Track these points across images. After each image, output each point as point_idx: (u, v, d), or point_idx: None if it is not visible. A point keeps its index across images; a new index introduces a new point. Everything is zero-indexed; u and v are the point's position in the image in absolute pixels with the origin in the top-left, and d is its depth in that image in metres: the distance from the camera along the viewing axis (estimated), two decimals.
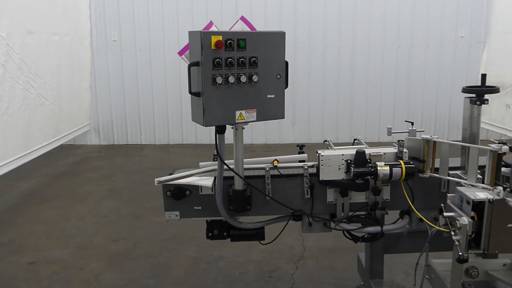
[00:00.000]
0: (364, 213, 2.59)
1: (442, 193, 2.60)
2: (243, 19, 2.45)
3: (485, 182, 2.31)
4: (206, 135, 8.13)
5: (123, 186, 5.74)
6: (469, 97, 2.40)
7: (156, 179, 2.48)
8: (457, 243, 2.16)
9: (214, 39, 2.12)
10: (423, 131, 2.85)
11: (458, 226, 2.15)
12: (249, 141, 8.13)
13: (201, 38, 2.11)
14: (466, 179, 2.41)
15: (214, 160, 2.77)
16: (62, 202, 5.21)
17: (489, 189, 2.25)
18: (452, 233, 2.19)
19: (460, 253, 2.14)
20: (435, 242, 2.67)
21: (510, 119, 6.79)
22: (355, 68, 7.80)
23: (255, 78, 2.26)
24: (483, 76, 2.31)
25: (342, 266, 3.55)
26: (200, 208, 2.63)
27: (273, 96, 2.36)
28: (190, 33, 2.24)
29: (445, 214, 2.27)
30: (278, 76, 2.36)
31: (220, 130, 2.34)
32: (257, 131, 8.09)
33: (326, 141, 2.99)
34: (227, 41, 2.15)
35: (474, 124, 2.42)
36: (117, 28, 7.73)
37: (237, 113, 2.29)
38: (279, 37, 2.32)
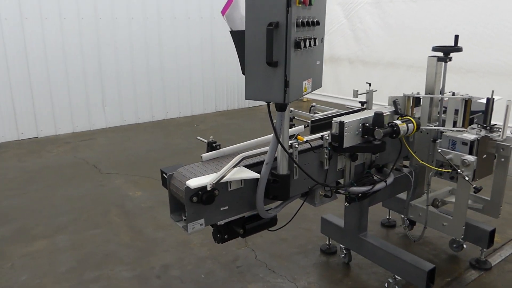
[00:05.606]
0: None
1: (410, 142, 2.95)
2: None
3: (458, 125, 2.78)
4: (12, 131, 6.33)
5: None
6: (435, 56, 2.80)
7: (208, 184, 1.89)
8: (467, 178, 2.57)
9: None
10: (376, 90, 3.15)
11: (467, 163, 2.56)
12: (51, 132, 6.72)
13: None
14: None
15: (211, 150, 2.33)
16: None
17: (465, 131, 2.73)
18: (459, 171, 2.59)
19: (474, 185, 2.56)
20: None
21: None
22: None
23: (317, 42, 1.98)
24: (456, 37, 2.72)
25: (288, 234, 3.55)
26: (226, 208, 2.16)
27: (319, 62, 2.13)
28: None
29: (447, 157, 2.65)
30: (321, 40, 2.13)
31: (283, 107, 1.96)
32: (62, 120, 6.78)
33: (312, 106, 2.96)
34: None
35: (439, 79, 2.85)
36: None
37: (304, 83, 1.96)
38: None
